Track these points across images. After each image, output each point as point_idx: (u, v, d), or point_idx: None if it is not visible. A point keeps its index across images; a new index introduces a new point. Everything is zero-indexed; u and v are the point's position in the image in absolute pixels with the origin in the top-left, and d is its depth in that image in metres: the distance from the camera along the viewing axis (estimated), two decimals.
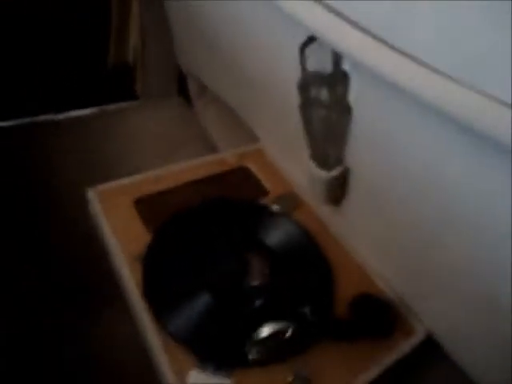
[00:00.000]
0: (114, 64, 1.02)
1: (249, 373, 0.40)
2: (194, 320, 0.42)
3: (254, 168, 0.63)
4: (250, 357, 0.38)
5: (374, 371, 0.43)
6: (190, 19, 0.71)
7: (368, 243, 0.51)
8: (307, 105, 0.40)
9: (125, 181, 0.56)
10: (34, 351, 0.50)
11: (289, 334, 0.37)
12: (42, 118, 0.91)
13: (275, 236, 0.51)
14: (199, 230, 0.50)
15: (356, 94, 0.36)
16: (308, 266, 0.49)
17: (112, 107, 0.98)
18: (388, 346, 0.45)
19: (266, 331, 0.37)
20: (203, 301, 0.43)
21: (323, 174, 0.45)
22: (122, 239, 0.49)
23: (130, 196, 0.54)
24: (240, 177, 0.61)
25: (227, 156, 0.64)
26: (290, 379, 0.39)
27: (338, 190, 0.47)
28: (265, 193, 0.59)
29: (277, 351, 0.38)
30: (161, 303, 0.43)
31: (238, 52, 0.57)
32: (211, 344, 0.41)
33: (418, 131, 0.34)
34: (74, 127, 0.89)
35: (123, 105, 1.00)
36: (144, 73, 1.01)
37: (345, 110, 0.38)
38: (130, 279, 0.45)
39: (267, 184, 0.61)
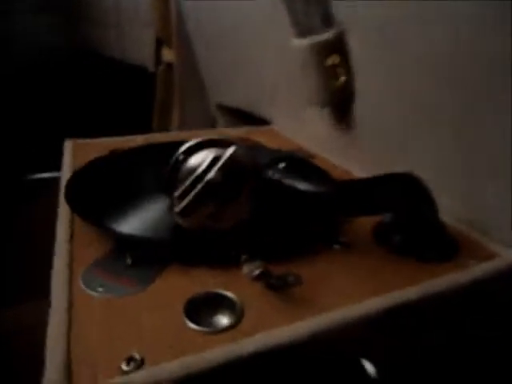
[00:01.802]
0: (156, 131, 1.09)
1: (186, 272, 0.24)
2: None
3: (260, 139, 0.53)
4: (177, 210, 0.22)
5: (413, 294, 0.23)
6: (213, 54, 0.76)
7: (400, 162, 0.35)
8: None
9: (105, 139, 0.49)
10: None
11: (232, 150, 0.22)
12: None
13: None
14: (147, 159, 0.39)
15: None
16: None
17: None
18: (446, 269, 0.26)
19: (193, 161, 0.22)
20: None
21: (310, 40, 0.34)
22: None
23: (104, 149, 0.46)
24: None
25: (230, 130, 0.56)
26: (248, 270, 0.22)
27: (338, 73, 0.35)
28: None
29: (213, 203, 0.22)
30: (80, 198, 0.30)
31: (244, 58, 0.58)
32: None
33: None
34: None
35: None
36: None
37: None
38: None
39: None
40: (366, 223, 0.30)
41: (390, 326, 0.22)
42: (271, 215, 0.25)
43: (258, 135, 0.54)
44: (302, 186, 0.24)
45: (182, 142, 0.26)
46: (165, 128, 1.09)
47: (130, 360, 0.18)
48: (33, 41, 1.22)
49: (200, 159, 0.22)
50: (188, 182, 0.22)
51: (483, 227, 0.29)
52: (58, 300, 0.21)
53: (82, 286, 0.23)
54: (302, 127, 0.51)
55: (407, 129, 0.33)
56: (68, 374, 0.17)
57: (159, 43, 1.06)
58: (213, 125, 0.96)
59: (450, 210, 0.31)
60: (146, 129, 1.05)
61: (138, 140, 0.50)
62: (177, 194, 0.22)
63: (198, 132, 0.54)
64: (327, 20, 0.35)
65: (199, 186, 0.22)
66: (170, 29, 1.00)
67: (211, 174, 0.22)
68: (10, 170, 1.05)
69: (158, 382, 0.17)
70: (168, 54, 1.05)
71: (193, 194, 0.22)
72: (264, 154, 0.42)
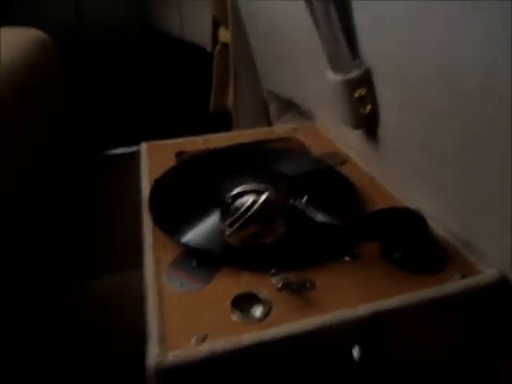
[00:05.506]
0: (213, 110, 1.18)
1: (234, 275, 0.34)
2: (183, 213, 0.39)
3: (303, 138, 0.60)
4: (227, 233, 0.32)
5: (403, 300, 0.31)
6: (267, 45, 0.80)
7: (415, 180, 0.42)
8: (310, 5, 0.39)
9: (175, 140, 0.60)
10: None
11: (265, 197, 0.31)
12: None
13: (292, 167, 0.46)
14: (214, 166, 0.49)
15: None
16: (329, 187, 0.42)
17: None
18: (434, 280, 0.33)
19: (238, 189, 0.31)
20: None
21: (341, 77, 0.41)
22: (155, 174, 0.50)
23: (174, 149, 0.57)
24: (286, 143, 0.59)
25: (279, 128, 0.63)
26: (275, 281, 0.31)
27: (365, 103, 0.42)
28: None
29: (256, 233, 0.32)
30: (160, 209, 0.41)
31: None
32: (194, 235, 0.36)
33: None
34: None
35: None
36: (238, 114, 1.12)
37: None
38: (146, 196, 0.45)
39: (315, 149, 0.57)
40: None
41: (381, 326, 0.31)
42: (297, 235, 0.34)
43: (301, 134, 0.61)
44: (319, 218, 0.32)
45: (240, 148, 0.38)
46: (221, 107, 1.17)
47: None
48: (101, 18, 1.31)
49: (243, 201, 0.31)
50: (235, 216, 0.31)
51: (474, 246, 0.36)
52: (152, 293, 0.32)
53: (166, 281, 0.34)
54: (339, 132, 0.57)
55: (422, 152, 0.39)
56: (164, 343, 0.28)
57: (216, 23, 1.12)
58: (265, 107, 1.03)
59: (448, 225, 0.37)
60: (204, 105, 1.15)
61: (198, 141, 0.60)
62: (227, 222, 0.32)
63: (249, 132, 0.63)
64: (355, 57, 0.40)
65: (242, 220, 0.31)
66: (226, 9, 1.04)
67: (250, 213, 0.31)
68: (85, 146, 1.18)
69: (214, 354, 0.27)
70: (224, 35, 1.10)
71: (237, 224, 0.31)
72: (303, 161, 0.50)
